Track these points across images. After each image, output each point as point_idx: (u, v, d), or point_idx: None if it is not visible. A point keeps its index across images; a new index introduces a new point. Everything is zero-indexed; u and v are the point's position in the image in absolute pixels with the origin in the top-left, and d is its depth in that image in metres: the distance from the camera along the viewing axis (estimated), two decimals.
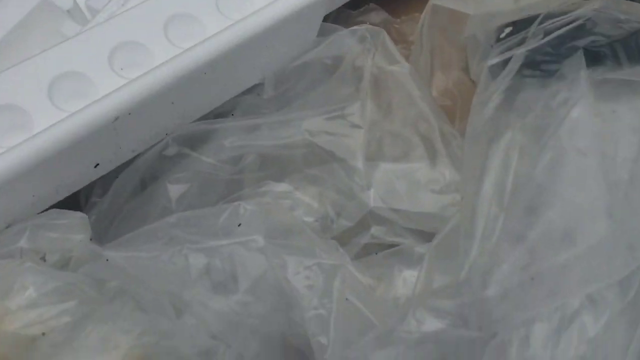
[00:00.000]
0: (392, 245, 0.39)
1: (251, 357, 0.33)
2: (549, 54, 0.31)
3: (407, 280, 0.34)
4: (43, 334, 0.27)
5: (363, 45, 0.41)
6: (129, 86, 0.35)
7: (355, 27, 0.41)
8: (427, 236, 0.38)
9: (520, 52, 0.31)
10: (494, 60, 0.31)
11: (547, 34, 0.32)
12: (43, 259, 0.35)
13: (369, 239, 0.39)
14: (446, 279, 0.29)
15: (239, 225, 0.33)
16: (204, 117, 0.43)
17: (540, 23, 0.32)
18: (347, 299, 0.30)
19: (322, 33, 0.45)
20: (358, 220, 0.38)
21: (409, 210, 0.37)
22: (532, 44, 0.31)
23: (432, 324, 0.27)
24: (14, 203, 0.34)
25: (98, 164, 0.37)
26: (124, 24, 0.39)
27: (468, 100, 0.44)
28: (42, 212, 0.36)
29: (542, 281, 0.26)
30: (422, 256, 0.35)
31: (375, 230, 0.39)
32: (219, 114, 0.45)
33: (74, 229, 0.35)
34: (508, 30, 0.35)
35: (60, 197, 0.36)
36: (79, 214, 0.36)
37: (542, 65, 0.31)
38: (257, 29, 0.38)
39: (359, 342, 0.28)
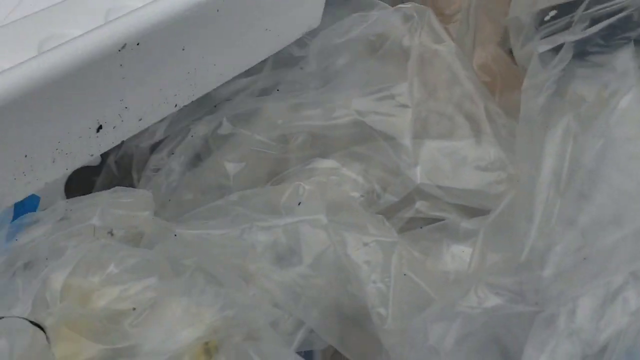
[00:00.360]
0: (435, 220, 0.41)
1: (311, 324, 0.36)
2: (599, 45, 0.33)
3: (455, 255, 0.37)
4: (134, 309, 0.30)
5: (409, 23, 0.42)
6: (138, 12, 0.32)
7: (400, 5, 0.43)
8: (470, 211, 0.41)
9: (570, 42, 0.32)
10: (545, 47, 0.33)
11: (593, 21, 0.34)
12: (110, 233, 0.38)
13: (413, 213, 0.42)
14: (499, 256, 0.32)
15: (299, 203, 0.36)
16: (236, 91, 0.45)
17: (586, 8, 0.34)
18: (405, 274, 0.33)
19: (365, 8, 0.47)
20: (404, 195, 0.41)
21: (454, 186, 0.40)
22: (579, 33, 0.33)
23: (492, 300, 0.29)
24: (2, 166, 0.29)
25: (101, 127, 0.33)
26: None
27: (506, 76, 0.46)
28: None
29: (592, 261, 0.29)
30: (468, 231, 0.38)
31: (420, 205, 0.41)
32: (264, 89, 0.47)
33: (139, 205, 0.38)
34: (552, 13, 0.36)
35: (59, 171, 0.32)
36: (142, 191, 0.39)
37: (592, 56, 0.33)
38: None
39: (419, 313, 0.31)
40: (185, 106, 0.48)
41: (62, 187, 0.45)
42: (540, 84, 0.32)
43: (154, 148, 0.48)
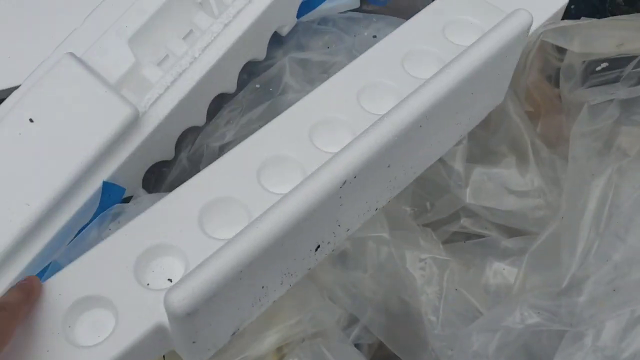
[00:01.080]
0: (477, 235, 0.47)
1: (364, 320, 0.42)
2: None
3: (497, 272, 0.42)
4: None
5: None
6: (354, 147, 0.34)
7: None
8: (509, 231, 0.46)
9: (617, 102, 0.38)
10: (597, 100, 0.38)
11: None
12: None
13: (457, 228, 0.47)
14: (540, 279, 0.37)
15: None
16: None
17: (635, 67, 0.39)
18: (456, 289, 0.39)
19: None
20: (451, 212, 0.46)
21: (498, 208, 0.45)
22: (626, 90, 0.38)
23: (533, 319, 0.35)
24: (244, 299, 0.34)
25: (318, 246, 0.36)
26: (320, 101, 0.41)
27: (547, 104, 0.52)
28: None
29: (621, 292, 0.35)
30: (508, 250, 0.44)
31: (464, 221, 0.47)
32: None
33: None
34: (604, 65, 0.42)
35: (284, 289, 0.36)
36: None
37: (637, 116, 0.38)
38: (472, 69, 0.37)
39: (466, 323, 0.37)
40: (254, 110, 0.54)
41: (140, 179, 0.51)
42: (589, 133, 0.37)
43: (223, 148, 0.53)
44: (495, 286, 0.42)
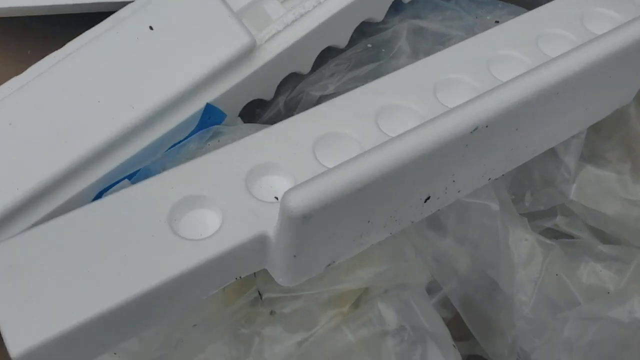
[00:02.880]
0: (568, 236, 0.46)
1: (448, 290, 0.42)
2: None
3: (591, 272, 0.42)
4: None
5: None
6: (493, 94, 0.34)
7: None
8: (604, 237, 0.46)
9: None
10: None
11: None
12: None
13: (551, 224, 0.47)
14: None
15: None
16: None
17: None
18: (557, 274, 0.39)
19: None
20: (550, 207, 0.46)
21: (600, 210, 0.45)
22: None
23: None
24: (349, 229, 0.33)
25: (429, 198, 0.35)
26: (448, 62, 0.42)
27: None
28: None
29: None
30: (602, 254, 0.43)
31: (560, 219, 0.46)
32: None
33: None
34: None
35: (384, 235, 0.36)
36: None
37: None
38: (616, 48, 0.36)
39: (559, 310, 0.37)
40: (361, 68, 0.55)
41: (237, 113, 0.51)
42: None
43: (322, 99, 0.54)
44: (588, 285, 0.41)
